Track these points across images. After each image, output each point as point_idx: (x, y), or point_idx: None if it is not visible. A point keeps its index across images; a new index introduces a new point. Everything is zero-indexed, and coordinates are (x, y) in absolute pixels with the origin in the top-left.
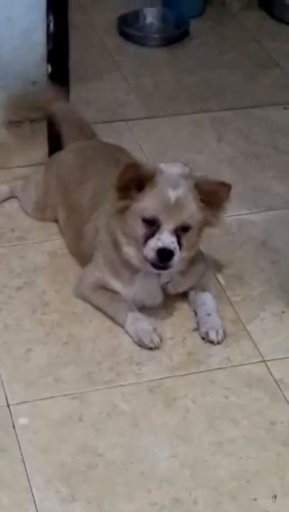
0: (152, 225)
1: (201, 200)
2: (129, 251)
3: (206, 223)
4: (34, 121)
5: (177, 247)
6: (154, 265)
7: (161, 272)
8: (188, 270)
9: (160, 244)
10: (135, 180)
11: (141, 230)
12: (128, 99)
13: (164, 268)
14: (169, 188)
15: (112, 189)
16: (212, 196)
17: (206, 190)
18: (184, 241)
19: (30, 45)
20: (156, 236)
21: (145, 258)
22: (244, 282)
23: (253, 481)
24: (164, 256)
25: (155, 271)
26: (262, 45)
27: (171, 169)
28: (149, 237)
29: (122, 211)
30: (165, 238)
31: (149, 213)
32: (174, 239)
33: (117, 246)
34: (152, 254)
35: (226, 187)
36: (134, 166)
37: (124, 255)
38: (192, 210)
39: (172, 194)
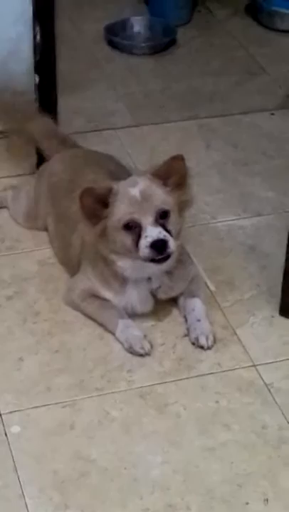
0: (134, 228)
1: (165, 184)
2: (124, 264)
3: (181, 205)
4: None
5: (167, 234)
6: (155, 260)
7: (166, 262)
8: (177, 273)
9: (150, 239)
10: (97, 202)
11: (127, 238)
12: (116, 107)
13: (166, 258)
14: (130, 189)
15: (83, 222)
16: (172, 175)
17: (163, 172)
18: (169, 226)
19: (17, 56)
20: (143, 235)
21: (144, 259)
22: (234, 287)
23: (244, 485)
24: (159, 247)
25: (161, 266)
26: (249, 52)
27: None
28: (137, 240)
29: (102, 234)
30: (151, 232)
31: (125, 219)
32: (159, 229)
33: (106, 260)
34: (147, 251)
35: (178, 159)
36: (88, 191)
37: (118, 269)
38: (161, 195)
39: (135, 191)
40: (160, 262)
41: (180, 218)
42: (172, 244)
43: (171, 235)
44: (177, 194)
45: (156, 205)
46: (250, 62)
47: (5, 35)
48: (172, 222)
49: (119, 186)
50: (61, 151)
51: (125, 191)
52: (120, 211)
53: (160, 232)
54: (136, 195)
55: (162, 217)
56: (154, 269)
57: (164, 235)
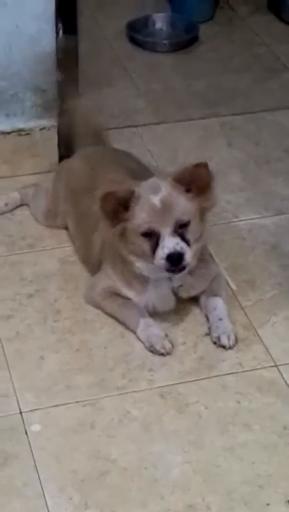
0: (152, 236)
1: (188, 191)
2: (142, 265)
3: (203, 210)
4: (44, 129)
5: (184, 246)
6: (169, 271)
7: (179, 274)
8: (199, 272)
9: (166, 251)
10: (118, 205)
11: (145, 245)
12: (138, 105)
13: (180, 270)
14: (151, 196)
15: (102, 222)
16: (195, 181)
17: (187, 178)
18: (189, 236)
19: (39, 53)
20: (160, 245)
21: (160, 269)
22: (255, 287)
23: (265, 485)
24: (175, 260)
25: (175, 276)
26: (271, 49)
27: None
28: (154, 248)
29: (121, 235)
30: (168, 243)
31: (144, 227)
32: (177, 240)
33: (126, 260)
34: (163, 263)
35: (203, 167)
36: (110, 195)
37: (136, 269)
38: (182, 205)
39: (156, 199)
40: (175, 273)
41: (202, 222)
42: (188, 256)
43: (189, 244)
44: (200, 200)
45: (176, 215)
46: (272, 60)
47: (27, 32)
48: (192, 230)
49: (141, 190)
50: (90, 144)
51: (146, 198)
52: (140, 218)
53: (177, 244)
54: (156, 204)
55: (181, 227)
56: (169, 275)
57: (181, 247)
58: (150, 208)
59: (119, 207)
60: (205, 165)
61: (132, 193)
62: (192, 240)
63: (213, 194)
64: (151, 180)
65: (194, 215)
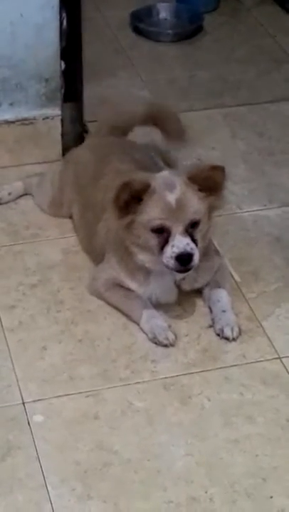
0: (162, 233)
1: (200, 190)
2: (144, 258)
3: (212, 209)
4: (48, 118)
5: (194, 246)
6: (177, 271)
7: (186, 273)
8: (202, 265)
9: (176, 251)
10: (132, 196)
11: (153, 240)
12: (142, 95)
13: (187, 270)
14: (166, 192)
15: (112, 210)
16: (209, 182)
17: (202, 178)
18: (197, 236)
19: (43, 42)
20: (170, 243)
21: (166, 266)
22: (259, 279)
23: (269, 478)
24: (184, 260)
25: (180, 274)
26: (276, 40)
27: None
28: (163, 244)
29: (128, 226)
30: (179, 243)
31: (156, 223)
32: (187, 240)
33: (129, 251)
34: (172, 262)
35: (219, 170)
36: (127, 185)
37: (139, 262)
38: (196, 205)
39: (171, 197)
40: (181, 272)
41: (208, 223)
42: (197, 257)
43: (196, 244)
44: (210, 199)
45: (189, 215)
46: (277, 51)
47: (31, 21)
48: (200, 229)
49: (156, 185)
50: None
51: (161, 194)
52: (152, 214)
53: (188, 244)
54: (171, 202)
55: (192, 226)
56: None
57: (191, 248)
58: (164, 205)
59: (132, 198)
60: (222, 168)
61: (148, 186)
62: (200, 239)
63: (224, 194)
64: (165, 175)
65: (204, 215)
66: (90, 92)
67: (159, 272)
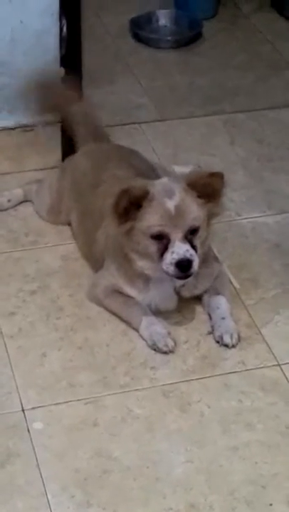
0: (162, 239)
1: (199, 196)
2: (144, 264)
3: (211, 216)
4: (48, 125)
5: (193, 252)
6: (176, 277)
7: (185, 280)
8: (202, 272)
9: (176, 257)
10: (131, 203)
11: (152, 246)
12: (141, 101)
13: (187, 277)
14: (165, 199)
15: (111, 217)
16: (208, 189)
17: (201, 185)
18: (196, 242)
19: (43, 48)
20: (170, 249)
21: (166, 273)
22: (258, 285)
23: (268, 486)
24: (184, 267)
25: (180, 281)
26: (274, 47)
27: (162, 179)
28: (162, 251)
29: (127, 233)
30: (179, 249)
31: (155, 229)
32: (187, 246)
33: (128, 258)
34: (172, 269)
35: (218, 177)
36: (126, 192)
37: (138, 268)
38: (195, 212)
39: (170, 204)
40: (180, 279)
41: (207, 228)
42: (196, 264)
43: (196, 250)
44: (209, 206)
45: (188, 221)
46: (275, 57)
47: (31, 28)
48: (200, 235)
49: (155, 191)
50: (91, 141)
51: (160, 201)
52: (152, 220)
53: (187, 251)
54: (170, 208)
55: (191, 233)
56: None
57: (191, 254)
58: (164, 211)
59: (131, 205)
60: (221, 175)
61: (147, 193)
62: (199, 246)
63: (222, 202)
64: (164, 182)
65: (203, 222)
66: (90, 98)
67: (159, 279)
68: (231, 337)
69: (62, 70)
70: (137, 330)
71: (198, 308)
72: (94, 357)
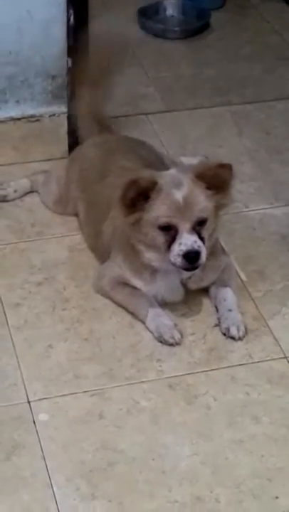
0: (170, 230)
1: (208, 188)
2: (151, 256)
3: (219, 207)
4: (54, 115)
5: (201, 244)
6: (184, 269)
7: (193, 272)
8: (209, 264)
9: (184, 248)
10: (139, 194)
11: (160, 238)
12: (148, 92)
13: (194, 268)
14: (173, 190)
15: (118, 208)
16: (217, 180)
17: (209, 176)
18: (204, 233)
19: (50, 38)
20: (178, 241)
21: (173, 264)
22: (265, 277)
23: (274, 479)
24: (192, 258)
25: (187, 273)
26: (282, 37)
27: (170, 170)
28: (170, 242)
29: (135, 224)
30: (187, 240)
31: (163, 220)
32: (195, 237)
33: (135, 250)
34: (180, 260)
35: (227, 168)
36: (134, 183)
37: (145, 260)
38: (203, 203)
39: (179, 195)
40: (188, 270)
41: (215, 219)
42: (204, 255)
43: (203, 242)
44: (217, 198)
45: (197, 212)
46: (283, 48)
47: (38, 18)
48: (207, 227)
49: (164, 182)
50: (96, 132)
51: (169, 192)
52: (160, 211)
53: (195, 242)
54: (179, 199)
55: (199, 224)
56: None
57: (199, 246)
58: (171, 203)
59: (139, 196)
60: (229, 166)
61: (155, 184)
62: (207, 238)
63: (232, 193)
64: (173, 173)
65: (211, 213)
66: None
67: (166, 271)
68: (238, 329)
69: None
70: (143, 322)
71: (205, 301)
72: (100, 349)
